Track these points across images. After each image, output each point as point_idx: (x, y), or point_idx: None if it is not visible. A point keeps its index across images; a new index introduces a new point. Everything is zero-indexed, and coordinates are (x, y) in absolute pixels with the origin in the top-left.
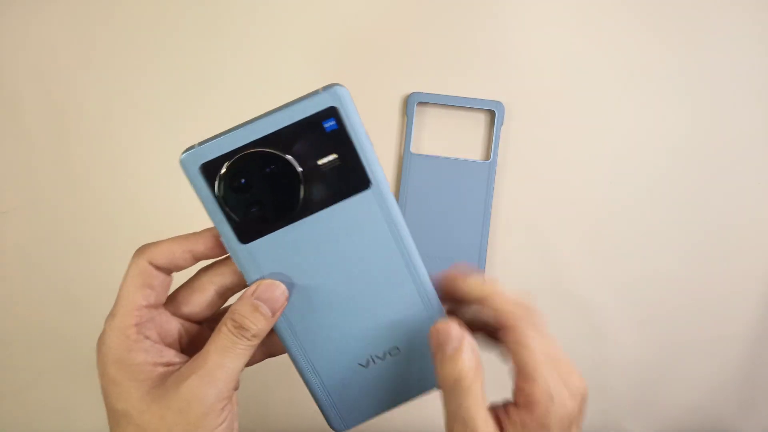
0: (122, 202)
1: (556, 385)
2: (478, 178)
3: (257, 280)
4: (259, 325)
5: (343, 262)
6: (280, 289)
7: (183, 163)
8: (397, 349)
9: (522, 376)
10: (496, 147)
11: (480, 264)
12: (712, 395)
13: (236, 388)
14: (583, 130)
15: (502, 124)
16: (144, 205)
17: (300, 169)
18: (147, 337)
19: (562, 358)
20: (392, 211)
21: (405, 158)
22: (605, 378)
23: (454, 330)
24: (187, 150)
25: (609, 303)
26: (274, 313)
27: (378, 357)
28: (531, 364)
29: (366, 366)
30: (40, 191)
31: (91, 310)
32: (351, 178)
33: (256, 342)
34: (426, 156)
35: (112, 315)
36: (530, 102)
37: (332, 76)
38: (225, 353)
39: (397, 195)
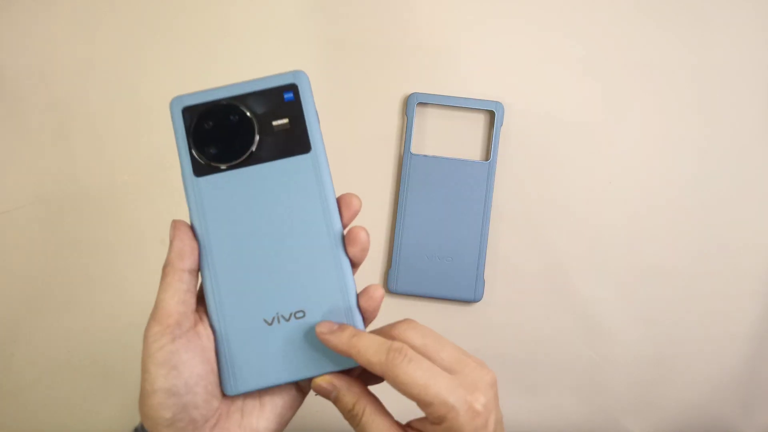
0: (125, 200)
1: (457, 397)
2: (477, 178)
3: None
4: (170, 255)
5: (272, 213)
6: (176, 220)
7: (171, 105)
8: (303, 312)
9: (421, 405)
10: (496, 147)
11: (479, 264)
12: (713, 394)
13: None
14: (582, 130)
15: (502, 124)
16: (148, 202)
17: (256, 124)
18: (189, 291)
19: (458, 359)
20: (324, 178)
21: (405, 158)
22: (605, 376)
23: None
24: (177, 96)
25: (609, 301)
26: (171, 240)
27: (283, 317)
28: (420, 394)
29: (270, 323)
30: (43, 190)
31: (95, 308)
32: (295, 141)
33: (171, 270)
34: (426, 156)
35: None
36: (530, 102)
37: (333, 76)
38: (159, 291)
39: (397, 195)
